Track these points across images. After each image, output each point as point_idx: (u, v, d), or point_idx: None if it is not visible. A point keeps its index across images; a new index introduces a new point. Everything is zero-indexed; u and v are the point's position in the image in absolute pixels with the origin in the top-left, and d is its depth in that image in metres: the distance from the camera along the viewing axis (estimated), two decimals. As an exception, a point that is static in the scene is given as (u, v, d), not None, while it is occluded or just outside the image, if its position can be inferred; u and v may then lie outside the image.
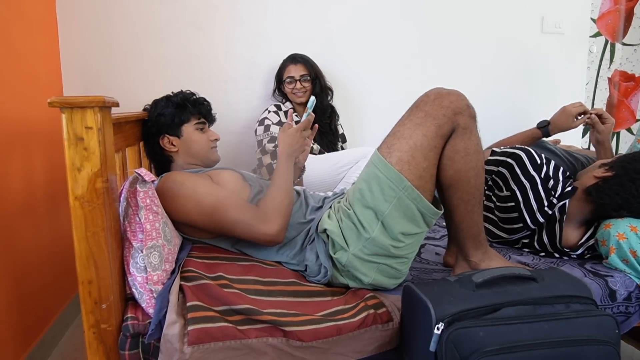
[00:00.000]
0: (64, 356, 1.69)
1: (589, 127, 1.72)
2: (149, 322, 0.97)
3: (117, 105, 0.97)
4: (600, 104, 2.82)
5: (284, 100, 2.10)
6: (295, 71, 2.02)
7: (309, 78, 2.02)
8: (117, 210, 1.01)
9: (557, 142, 2.02)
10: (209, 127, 1.49)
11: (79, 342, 1.78)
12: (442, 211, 1.18)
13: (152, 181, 1.01)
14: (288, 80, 2.02)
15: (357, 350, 1.04)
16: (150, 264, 0.99)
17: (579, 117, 1.68)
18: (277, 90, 2.11)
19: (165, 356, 0.93)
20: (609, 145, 1.66)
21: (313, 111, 1.36)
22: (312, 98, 1.34)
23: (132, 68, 2.06)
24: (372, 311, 1.05)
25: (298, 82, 2.01)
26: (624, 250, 1.25)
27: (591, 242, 1.36)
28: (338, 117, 2.19)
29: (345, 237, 1.15)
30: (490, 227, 1.50)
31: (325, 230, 1.18)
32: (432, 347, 0.90)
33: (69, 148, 0.90)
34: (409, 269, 1.21)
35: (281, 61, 2.08)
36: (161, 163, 1.44)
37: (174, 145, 1.40)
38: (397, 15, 2.33)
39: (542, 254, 1.44)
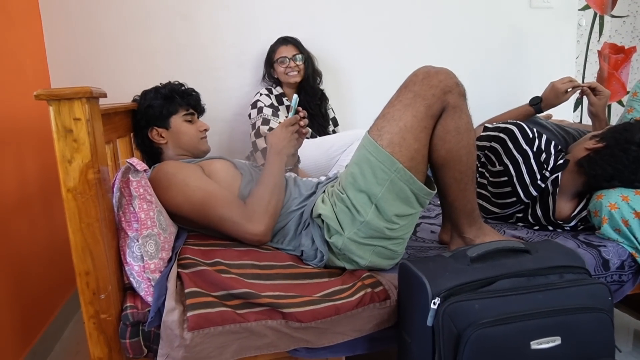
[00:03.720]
0: (66, 350, 1.70)
1: (579, 102, 1.73)
2: (148, 310, 0.98)
3: (104, 96, 0.96)
4: (591, 77, 2.82)
5: (274, 85, 2.09)
6: (287, 51, 2.02)
7: (302, 57, 2.02)
8: (111, 201, 1.01)
9: (549, 116, 2.02)
10: (198, 117, 1.48)
11: (81, 336, 1.79)
12: (436, 191, 1.18)
13: (145, 171, 1.01)
14: (280, 60, 2.01)
15: (356, 329, 1.05)
16: (146, 253, 1.00)
17: (569, 91, 1.68)
18: (267, 76, 2.10)
19: (166, 343, 0.94)
20: (604, 118, 1.67)
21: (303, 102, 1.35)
22: (295, 96, 1.35)
23: (119, 59, 2.04)
24: (369, 290, 1.07)
25: (291, 61, 2.00)
26: (616, 219, 1.27)
27: (584, 213, 1.38)
28: (327, 100, 2.18)
29: (339, 221, 1.15)
30: (484, 203, 1.51)
31: (319, 215, 1.18)
32: (429, 321, 0.91)
33: (58, 140, 0.89)
34: (404, 248, 1.22)
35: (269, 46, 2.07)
36: (151, 155, 1.44)
37: (163, 137, 1.40)
38: (385, -5, 2.31)
39: (536, 227, 1.46)
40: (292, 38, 2.05)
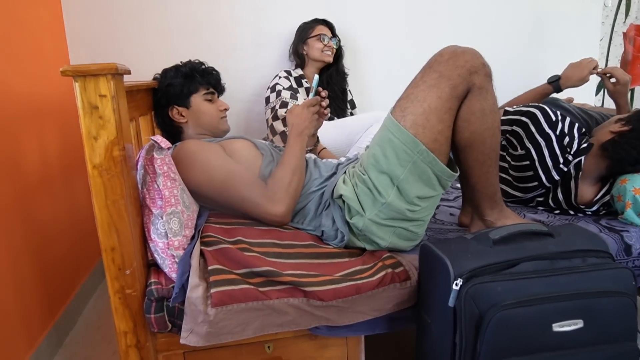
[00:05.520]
0: (89, 324, 1.74)
1: (602, 85, 1.69)
2: (172, 286, 0.99)
3: (129, 72, 0.96)
4: (615, 60, 2.75)
5: (294, 67, 2.07)
6: (326, 32, 2.04)
7: (337, 41, 2.07)
8: (135, 178, 1.02)
9: (571, 100, 1.99)
10: (218, 97, 1.48)
11: (102, 310, 1.83)
12: (458, 173, 1.17)
13: (168, 148, 1.02)
14: (322, 36, 2.01)
15: (376, 308, 1.06)
16: (170, 230, 1.01)
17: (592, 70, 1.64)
18: (294, 52, 2.07)
19: (190, 318, 0.96)
20: (624, 103, 1.63)
21: (324, 84, 1.35)
22: (316, 77, 1.34)
23: (138, 37, 2.03)
24: (389, 270, 1.07)
25: (330, 41, 2.03)
26: (641, 204, 1.25)
27: (607, 198, 1.36)
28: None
29: (361, 202, 1.15)
30: (505, 187, 1.49)
31: (341, 196, 1.18)
32: (451, 302, 0.91)
33: (84, 117, 0.90)
34: (425, 230, 1.22)
35: (297, 24, 2.07)
36: (171, 134, 1.44)
37: (183, 116, 1.40)
38: (405, -26, 2.26)
39: (557, 211, 1.44)
40: (329, 21, 2.07)
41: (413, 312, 1.09)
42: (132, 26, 2.02)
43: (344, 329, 1.06)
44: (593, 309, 0.92)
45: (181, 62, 1.44)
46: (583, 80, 1.65)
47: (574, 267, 0.96)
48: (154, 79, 1.46)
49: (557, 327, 0.91)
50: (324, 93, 1.32)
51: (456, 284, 0.91)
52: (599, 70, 1.64)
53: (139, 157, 1.05)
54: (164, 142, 1.00)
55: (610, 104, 1.79)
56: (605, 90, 1.65)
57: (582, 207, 1.39)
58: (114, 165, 0.92)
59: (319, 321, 1.03)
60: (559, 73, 1.71)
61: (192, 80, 1.39)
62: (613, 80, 1.61)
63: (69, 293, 1.74)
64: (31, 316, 1.43)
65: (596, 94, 2.67)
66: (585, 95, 2.46)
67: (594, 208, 1.38)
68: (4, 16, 1.43)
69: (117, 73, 0.90)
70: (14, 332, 1.33)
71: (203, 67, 1.43)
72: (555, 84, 1.67)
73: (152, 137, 0.99)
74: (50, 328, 1.54)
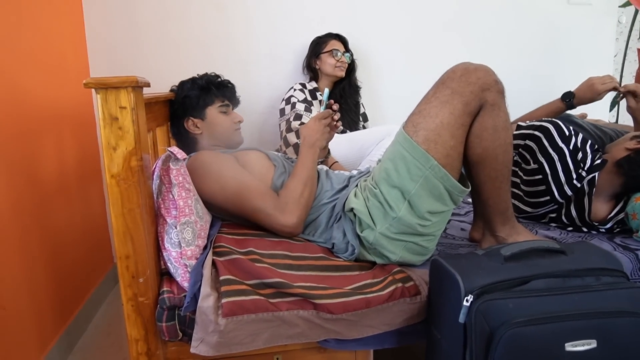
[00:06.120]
0: (99, 331, 1.76)
1: (616, 102, 1.67)
2: (184, 296, 1.00)
3: (148, 85, 0.99)
4: (629, 76, 2.73)
5: (309, 79, 2.10)
6: (339, 46, 2.06)
7: (350, 55, 2.09)
8: (151, 188, 1.04)
9: (584, 115, 1.97)
10: (232, 109, 1.50)
11: (113, 317, 1.85)
12: (470, 189, 1.17)
13: (184, 159, 1.04)
14: (334, 51, 2.03)
15: (386, 322, 1.06)
16: (184, 240, 1.02)
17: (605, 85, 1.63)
18: (306, 67, 2.11)
19: (200, 327, 0.97)
20: None
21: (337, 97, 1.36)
22: (326, 90, 1.37)
23: (155, 49, 2.08)
24: (400, 285, 1.07)
25: (343, 56, 2.05)
26: (656, 223, 1.24)
27: (621, 216, 1.35)
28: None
29: (372, 216, 1.15)
30: (516, 202, 1.49)
31: (352, 209, 1.18)
32: (462, 318, 0.91)
33: (104, 128, 0.92)
34: (435, 245, 1.22)
35: (313, 37, 2.10)
36: (186, 144, 1.47)
37: (198, 128, 1.43)
38: (419, -11, 2.29)
39: (570, 228, 1.43)
40: (343, 36, 2.10)
41: (423, 327, 1.08)
42: (150, 38, 2.06)
43: (353, 342, 1.06)
44: (607, 329, 0.91)
45: (198, 74, 1.47)
46: (595, 100, 1.64)
47: (588, 286, 0.94)
48: (171, 90, 1.49)
49: (569, 347, 0.90)
50: (335, 106, 1.33)
51: (467, 300, 0.91)
52: (621, 89, 1.62)
53: (155, 167, 1.07)
54: (180, 154, 1.02)
55: (624, 120, 1.78)
56: (627, 107, 1.64)
57: (596, 224, 1.38)
58: (131, 175, 0.94)
59: (328, 334, 1.03)
60: (573, 89, 1.70)
61: (207, 92, 1.42)
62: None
63: (80, 299, 1.76)
64: (44, 320, 1.46)
65: (610, 110, 2.65)
66: (600, 111, 2.45)
67: (608, 225, 1.37)
68: (28, 27, 1.47)
69: (137, 86, 0.92)
70: (27, 335, 1.35)
71: (219, 79, 1.46)
72: (569, 103, 1.66)
73: (169, 148, 1.01)
74: (62, 333, 1.56)
